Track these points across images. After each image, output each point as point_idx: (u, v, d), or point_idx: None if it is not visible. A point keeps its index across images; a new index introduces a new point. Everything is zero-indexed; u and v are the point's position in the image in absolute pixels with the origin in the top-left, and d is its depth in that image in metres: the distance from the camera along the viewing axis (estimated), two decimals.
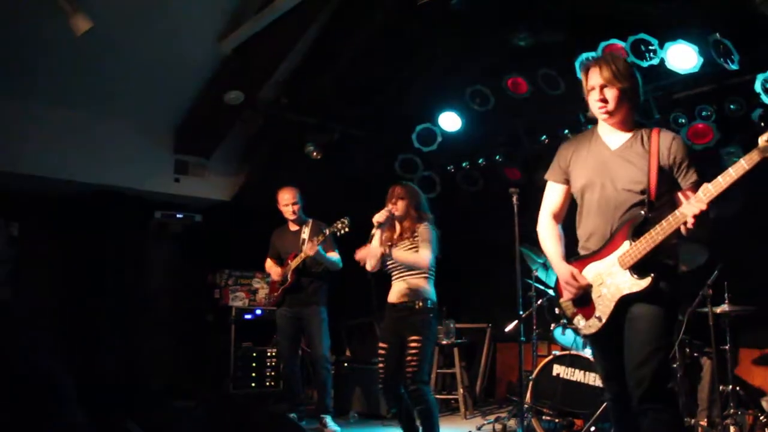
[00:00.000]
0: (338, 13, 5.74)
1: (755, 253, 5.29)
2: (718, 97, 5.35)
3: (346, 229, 5.15)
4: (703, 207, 2.59)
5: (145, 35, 5.56)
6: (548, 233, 3.13)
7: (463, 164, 7.11)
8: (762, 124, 5.15)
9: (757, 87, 4.85)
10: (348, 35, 5.76)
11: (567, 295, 3.00)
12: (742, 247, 5.11)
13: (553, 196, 3.16)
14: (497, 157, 6.85)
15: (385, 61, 6.07)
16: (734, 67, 4.84)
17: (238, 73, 5.98)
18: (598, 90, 2.87)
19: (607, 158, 2.93)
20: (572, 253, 3.07)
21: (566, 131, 6.08)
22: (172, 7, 5.42)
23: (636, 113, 3.01)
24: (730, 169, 2.56)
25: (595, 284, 2.91)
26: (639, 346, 2.74)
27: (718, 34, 4.77)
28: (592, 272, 2.93)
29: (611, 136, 2.97)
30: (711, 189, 2.60)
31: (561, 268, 3.02)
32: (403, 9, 5.48)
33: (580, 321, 2.97)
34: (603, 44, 5.15)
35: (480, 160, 7.00)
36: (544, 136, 6.35)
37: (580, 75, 2.99)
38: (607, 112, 2.89)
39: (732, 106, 5.27)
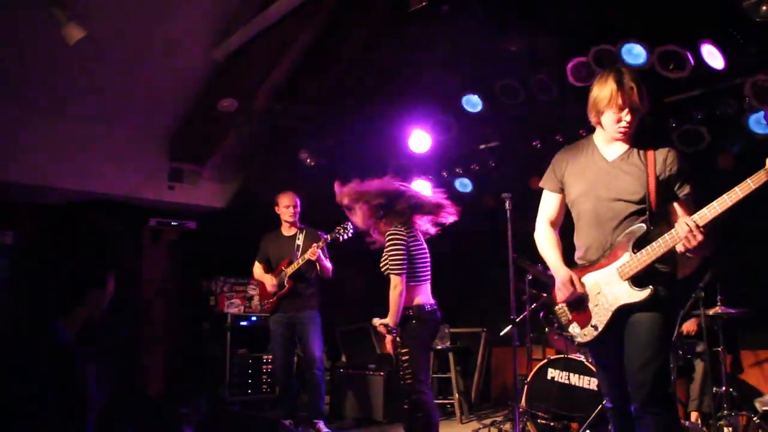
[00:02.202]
0: (331, 21, 5.76)
1: (748, 255, 5.32)
2: (709, 101, 5.39)
3: (349, 234, 5.14)
4: (700, 239, 2.61)
5: (140, 43, 5.58)
6: (546, 240, 3.13)
7: (456, 169, 7.14)
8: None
9: (747, 90, 4.89)
10: (341, 42, 5.79)
11: (561, 296, 2.99)
12: (735, 250, 5.14)
13: (549, 205, 3.16)
14: (490, 162, 6.88)
15: (377, 67, 6.10)
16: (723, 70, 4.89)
17: (232, 80, 6.00)
18: (628, 112, 2.82)
19: (603, 169, 2.93)
20: (569, 262, 3.07)
21: (558, 137, 6.11)
22: (165, 15, 5.44)
23: None
24: (725, 196, 2.59)
25: (592, 293, 2.91)
26: (639, 351, 2.75)
27: (707, 38, 4.81)
28: (590, 281, 2.93)
29: (609, 147, 2.96)
30: (707, 214, 2.62)
31: (560, 271, 3.01)
32: (396, 15, 5.51)
33: (575, 329, 2.98)
34: (594, 49, 5.20)
35: (473, 166, 7.04)
36: (536, 141, 6.39)
37: (606, 86, 2.82)
38: (626, 134, 2.88)
39: (722, 110, 5.31)
